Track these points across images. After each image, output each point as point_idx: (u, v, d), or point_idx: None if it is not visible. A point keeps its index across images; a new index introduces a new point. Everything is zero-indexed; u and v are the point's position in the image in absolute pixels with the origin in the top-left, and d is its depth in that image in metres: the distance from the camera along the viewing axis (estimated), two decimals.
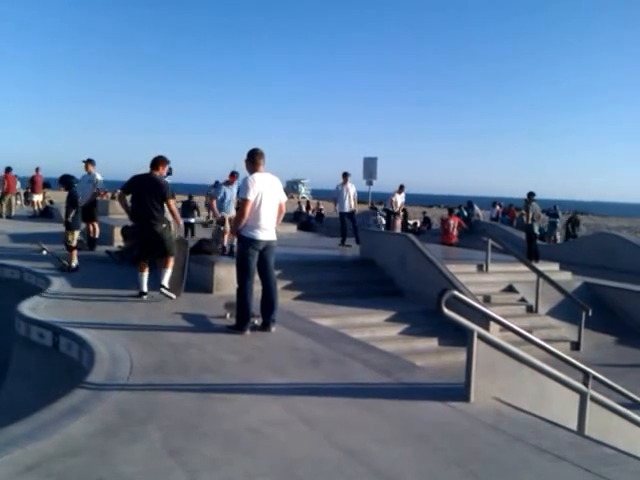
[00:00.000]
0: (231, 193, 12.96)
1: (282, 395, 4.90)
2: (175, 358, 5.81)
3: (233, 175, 13.18)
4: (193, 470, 3.45)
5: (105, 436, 3.89)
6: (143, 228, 8.59)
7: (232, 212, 12.91)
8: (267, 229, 6.98)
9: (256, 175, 6.94)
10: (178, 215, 9.42)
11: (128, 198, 8.87)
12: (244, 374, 5.47)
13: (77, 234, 11.02)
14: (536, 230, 17.17)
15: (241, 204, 6.93)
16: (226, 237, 12.09)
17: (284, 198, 7.31)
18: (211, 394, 4.83)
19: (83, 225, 13.05)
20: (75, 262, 10.75)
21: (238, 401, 4.72)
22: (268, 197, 6.94)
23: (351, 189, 15.76)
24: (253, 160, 7.02)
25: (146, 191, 8.45)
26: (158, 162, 8.71)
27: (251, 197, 6.79)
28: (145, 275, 8.74)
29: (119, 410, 4.37)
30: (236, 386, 5.08)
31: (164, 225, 8.61)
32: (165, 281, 8.65)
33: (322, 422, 4.34)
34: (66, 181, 11.06)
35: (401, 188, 21.26)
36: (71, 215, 10.67)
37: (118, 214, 24.01)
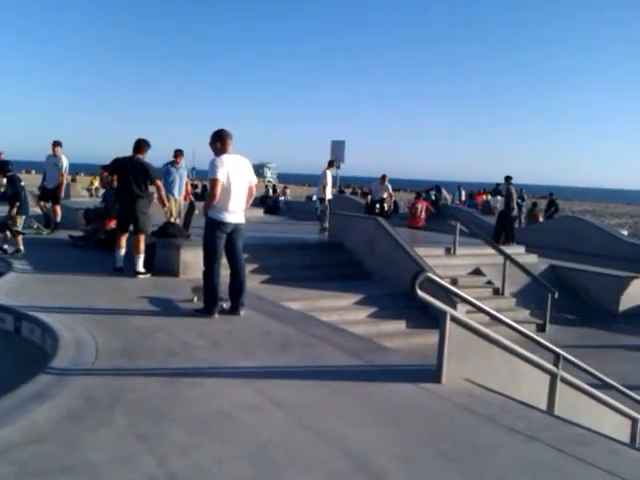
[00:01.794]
0: (177, 174, 12.83)
1: (252, 379, 4.83)
2: (142, 342, 5.70)
3: (178, 154, 13.02)
4: (162, 456, 3.37)
5: (71, 422, 3.78)
6: (124, 203, 9.06)
7: (177, 194, 12.80)
8: (236, 211, 6.84)
9: (224, 156, 6.76)
10: (164, 196, 10.02)
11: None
12: (213, 358, 5.38)
13: (23, 219, 10.74)
14: (514, 213, 17.37)
15: (211, 184, 6.75)
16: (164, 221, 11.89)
17: (254, 180, 7.14)
18: (179, 378, 4.74)
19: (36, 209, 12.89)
20: (21, 247, 10.44)
21: (207, 385, 4.64)
22: (237, 179, 6.78)
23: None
24: (222, 141, 6.82)
25: (130, 173, 8.93)
26: (141, 145, 9.16)
27: (220, 176, 6.62)
28: (122, 252, 9.17)
29: (85, 396, 4.25)
30: (205, 370, 5.00)
31: (145, 202, 9.13)
32: (140, 267, 9.07)
33: (294, 405, 4.29)
34: (1, 168, 10.79)
35: (384, 178, 21.20)
36: (15, 208, 10.39)
37: (80, 197, 23.73)
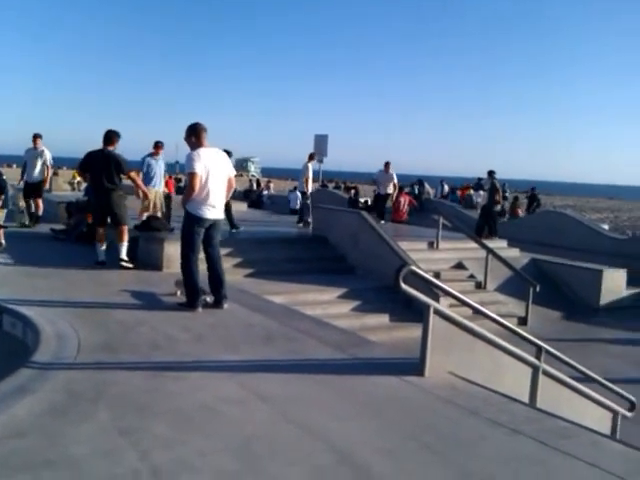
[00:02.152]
0: (157, 165, 12.77)
1: (236, 372, 4.82)
2: (124, 336, 5.66)
3: (158, 145, 12.95)
4: (145, 450, 3.36)
5: (53, 416, 3.75)
6: (98, 197, 9.01)
7: (158, 187, 12.76)
8: (215, 207, 6.77)
9: (201, 150, 6.67)
10: (144, 186, 10.12)
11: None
12: (197, 352, 5.35)
13: (4, 213, 10.65)
14: (497, 208, 17.45)
15: (189, 178, 6.70)
16: (145, 213, 11.81)
17: (233, 172, 7.10)
18: (163, 372, 4.71)
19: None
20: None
21: (191, 379, 4.62)
22: (215, 173, 6.70)
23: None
24: (197, 135, 6.74)
25: (102, 166, 8.83)
26: (111, 137, 9.04)
27: (198, 170, 6.55)
28: (103, 245, 9.13)
29: (67, 390, 4.22)
30: (188, 364, 4.98)
31: (119, 194, 9.03)
32: (123, 254, 9.14)
33: (277, 399, 4.29)
34: None
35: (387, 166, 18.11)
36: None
37: (62, 190, 23.54)
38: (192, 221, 6.73)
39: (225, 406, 4.06)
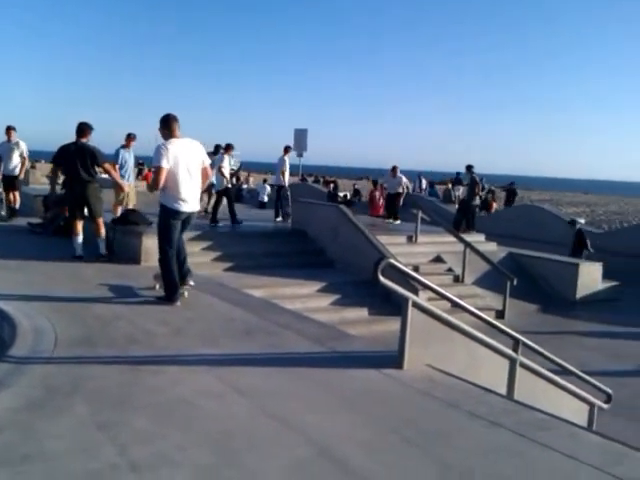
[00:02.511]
0: (130, 158, 12.71)
1: (215, 366, 4.80)
2: (102, 330, 5.62)
3: (130, 137, 12.86)
4: (123, 444, 3.33)
5: (30, 411, 3.71)
6: (74, 190, 8.91)
7: (130, 179, 12.73)
8: (190, 199, 6.67)
9: (171, 141, 6.58)
10: (120, 179, 10.18)
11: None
12: (175, 345, 5.33)
13: None
14: (476, 202, 17.55)
15: (155, 172, 6.58)
16: (119, 208, 11.74)
17: (207, 161, 6.97)
18: (141, 366, 4.68)
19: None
20: None
21: (169, 373, 4.59)
22: (188, 164, 6.60)
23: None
24: (168, 126, 6.66)
25: (77, 158, 8.74)
26: (84, 129, 8.95)
27: (165, 164, 6.44)
28: (79, 239, 9.05)
29: (44, 384, 4.18)
30: (167, 358, 4.95)
31: (95, 186, 9.02)
32: (103, 249, 9.18)
33: (257, 392, 4.28)
34: None
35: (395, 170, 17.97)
36: None
37: (39, 184, 23.25)
38: (167, 215, 6.67)
39: (204, 400, 4.05)
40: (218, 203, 13.61)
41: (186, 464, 3.15)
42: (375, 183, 23.73)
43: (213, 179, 14.31)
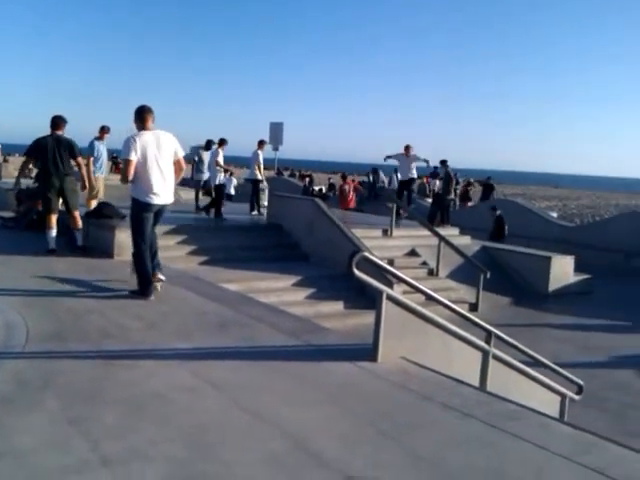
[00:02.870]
0: (104, 150, 12.64)
1: (189, 360, 4.77)
2: (75, 325, 5.56)
3: (104, 130, 12.78)
4: (95, 439, 3.30)
5: (0, 406, 3.67)
6: (52, 183, 8.82)
7: (103, 171, 12.67)
8: (162, 192, 6.59)
9: (141, 133, 6.52)
10: (91, 175, 10.20)
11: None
12: (149, 340, 5.29)
13: None
14: (451, 196, 17.67)
15: (123, 165, 6.55)
16: (93, 202, 11.64)
17: (181, 153, 6.86)
18: (114, 361, 4.64)
19: None
20: None
21: (142, 367, 4.56)
22: (158, 156, 6.52)
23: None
24: (140, 117, 6.61)
25: (55, 151, 8.72)
26: (58, 122, 8.95)
27: (132, 157, 6.37)
28: (53, 232, 8.95)
29: (15, 379, 4.13)
30: (140, 352, 4.92)
31: (72, 179, 9.04)
32: (79, 241, 9.19)
33: (231, 386, 4.27)
34: None
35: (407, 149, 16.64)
36: None
37: (12, 178, 22.94)
38: (139, 208, 6.62)
39: (177, 394, 4.03)
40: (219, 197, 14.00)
41: (159, 458, 3.13)
42: (344, 177, 23.82)
43: (208, 174, 14.57)
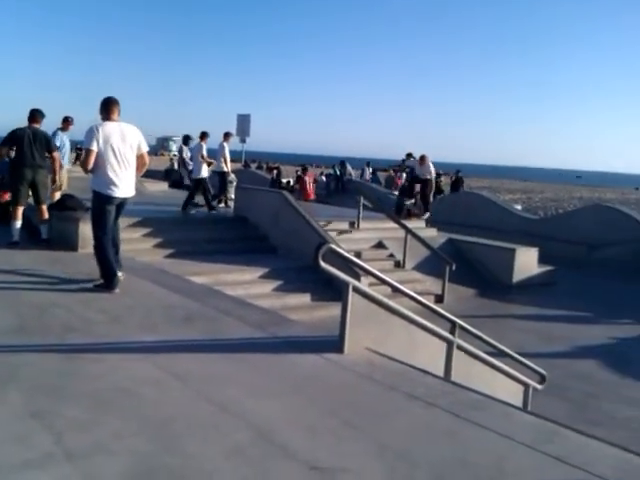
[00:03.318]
0: (67, 141, 12.49)
1: (154, 353, 4.74)
2: (38, 319, 5.48)
3: (67, 120, 12.61)
4: (59, 432, 3.28)
5: None
6: (24, 175, 8.81)
7: (68, 164, 12.54)
8: (122, 184, 6.54)
9: (104, 123, 6.47)
10: (59, 169, 10.03)
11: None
12: (113, 333, 5.24)
13: None
14: (418, 189, 17.75)
15: (84, 154, 6.48)
16: (56, 194, 11.50)
17: (145, 147, 6.83)
18: (78, 354, 4.60)
19: None
20: None
21: (107, 361, 4.53)
22: (122, 148, 6.47)
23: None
24: (105, 108, 6.56)
25: (32, 143, 8.85)
26: (36, 115, 9.06)
27: (94, 147, 6.31)
28: (18, 224, 8.90)
29: None
30: (105, 345, 4.88)
31: (45, 172, 9.15)
32: (44, 234, 9.15)
33: (196, 378, 4.26)
34: None
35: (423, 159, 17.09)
36: None
37: None
38: (102, 201, 6.55)
39: (142, 387, 4.01)
40: (196, 190, 13.98)
41: (123, 452, 3.12)
42: (305, 169, 23.97)
43: (190, 167, 14.64)
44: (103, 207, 6.55)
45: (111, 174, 6.43)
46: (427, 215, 16.14)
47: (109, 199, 6.52)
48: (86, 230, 8.76)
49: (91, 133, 6.36)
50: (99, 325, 5.45)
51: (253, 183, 18.51)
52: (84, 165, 6.44)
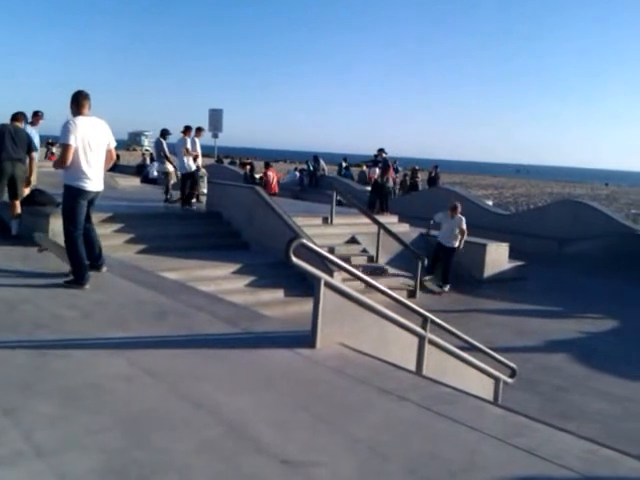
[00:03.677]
0: (36, 136, 12.36)
1: (125, 349, 4.71)
2: (7, 315, 5.41)
3: (37, 115, 12.47)
4: (29, 429, 3.24)
5: None
6: (6, 167, 8.93)
7: (37, 159, 12.42)
8: (95, 178, 6.55)
9: (79, 118, 6.44)
10: (35, 168, 10.18)
11: None
12: (84, 329, 5.20)
13: None
14: (389, 184, 17.81)
15: (62, 149, 6.44)
16: (26, 189, 11.39)
17: (113, 143, 6.84)
18: (48, 350, 4.55)
19: None
20: None
21: (78, 357, 4.49)
22: (94, 143, 6.47)
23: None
24: (77, 102, 6.52)
25: (13, 139, 8.99)
26: (17, 116, 9.59)
27: (72, 142, 6.28)
28: None
29: None
30: (75, 342, 4.83)
31: (25, 168, 9.25)
32: (15, 230, 9.16)
33: (168, 374, 4.24)
34: None
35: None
36: None
37: None
38: (74, 194, 6.51)
39: (113, 383, 3.98)
40: (184, 185, 14.04)
41: (93, 448, 3.10)
42: (267, 165, 24.12)
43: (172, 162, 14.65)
44: (77, 201, 6.51)
45: (85, 168, 6.41)
46: (447, 287, 12.99)
47: (84, 193, 6.50)
48: (57, 225, 8.66)
49: (69, 127, 6.32)
50: (70, 321, 5.40)
51: (226, 179, 18.43)
52: (62, 161, 6.35)
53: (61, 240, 8.15)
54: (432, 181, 29.38)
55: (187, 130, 14.27)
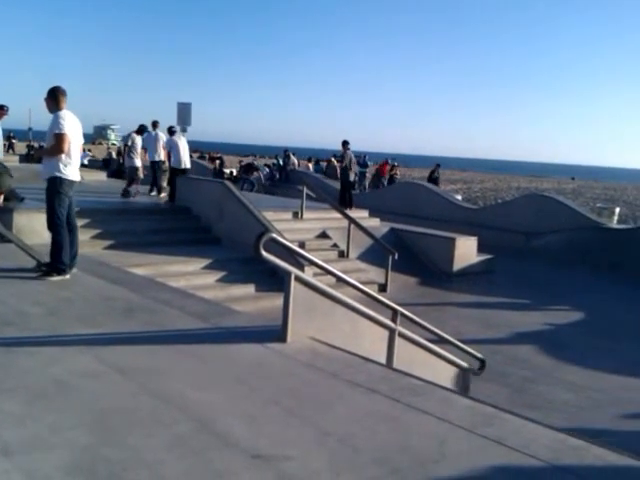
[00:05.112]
0: (2, 132, 12.17)
1: (93, 346, 4.65)
2: None
3: (2, 109, 12.25)
4: None
5: None
6: None
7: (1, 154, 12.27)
8: (77, 169, 6.81)
9: (64, 112, 6.63)
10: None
11: None
12: (51, 326, 5.12)
13: None
14: (351, 178, 17.74)
15: (59, 138, 6.51)
16: None
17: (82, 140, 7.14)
18: (13, 348, 4.48)
19: None
20: None
21: (44, 354, 4.42)
22: (76, 136, 6.74)
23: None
24: (56, 98, 6.65)
25: None
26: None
27: (68, 131, 6.51)
28: None
29: None
30: (42, 339, 4.76)
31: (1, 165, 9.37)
32: None
33: (137, 371, 4.20)
34: None
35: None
36: None
37: None
38: (63, 185, 6.61)
39: (81, 380, 3.93)
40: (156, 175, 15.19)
41: (61, 446, 3.06)
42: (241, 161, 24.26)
43: (139, 160, 14.99)
44: (64, 192, 6.64)
45: (73, 159, 6.66)
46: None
47: (70, 183, 6.67)
48: (22, 221, 8.56)
49: (62, 119, 6.53)
50: (36, 318, 5.31)
51: (195, 173, 18.30)
52: (60, 149, 6.49)
53: (24, 237, 8.04)
54: (433, 181, 29.41)
55: (155, 125, 14.80)
